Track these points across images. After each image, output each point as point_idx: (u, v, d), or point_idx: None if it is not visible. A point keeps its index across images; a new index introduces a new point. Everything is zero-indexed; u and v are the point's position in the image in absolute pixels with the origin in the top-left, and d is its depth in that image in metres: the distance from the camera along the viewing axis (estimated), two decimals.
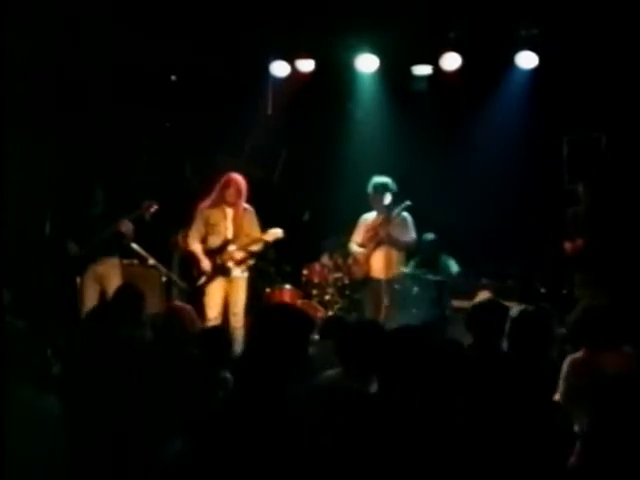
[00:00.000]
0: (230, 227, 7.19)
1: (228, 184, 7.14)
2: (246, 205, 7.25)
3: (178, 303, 5.77)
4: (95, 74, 7.71)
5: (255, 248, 7.24)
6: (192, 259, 7.24)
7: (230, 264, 7.16)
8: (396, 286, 7.33)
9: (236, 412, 2.81)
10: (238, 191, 7.14)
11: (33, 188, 7.13)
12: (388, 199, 7.18)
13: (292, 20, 7.66)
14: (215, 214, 7.20)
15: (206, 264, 7.12)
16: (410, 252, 7.66)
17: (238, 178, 7.18)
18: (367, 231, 7.36)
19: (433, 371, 3.02)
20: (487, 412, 3.17)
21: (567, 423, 3.40)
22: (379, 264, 7.22)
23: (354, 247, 7.45)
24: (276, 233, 7.12)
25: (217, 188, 7.18)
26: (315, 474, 2.73)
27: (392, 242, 7.22)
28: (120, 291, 5.54)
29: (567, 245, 6.72)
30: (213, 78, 8.35)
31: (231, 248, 7.15)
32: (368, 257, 7.29)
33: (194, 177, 8.73)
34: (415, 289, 7.56)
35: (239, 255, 7.17)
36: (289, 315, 3.10)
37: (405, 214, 7.31)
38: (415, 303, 7.45)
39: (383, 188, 7.18)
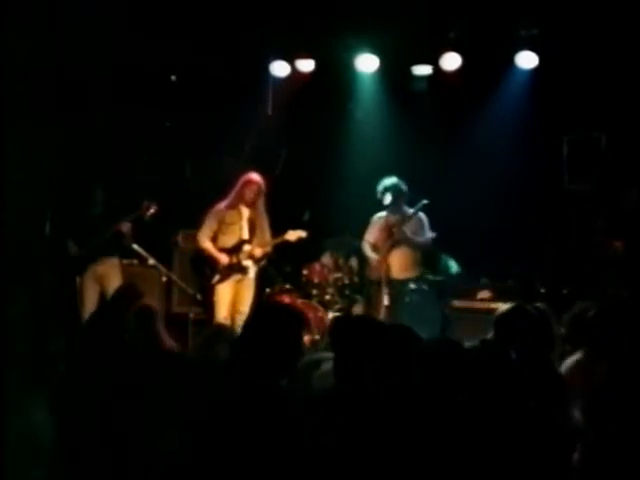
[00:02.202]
0: (245, 227, 7.21)
1: (249, 183, 7.15)
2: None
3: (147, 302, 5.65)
4: (95, 74, 7.70)
5: (268, 249, 7.27)
6: (205, 257, 7.22)
7: (247, 263, 7.18)
8: (411, 287, 7.31)
9: (233, 410, 2.82)
10: (259, 191, 7.16)
11: (33, 188, 7.12)
12: (388, 199, 7.18)
13: (292, 20, 7.65)
14: (231, 214, 7.21)
15: (224, 259, 7.12)
16: (427, 252, 7.57)
17: (258, 178, 7.20)
18: (381, 231, 7.33)
19: (433, 370, 3.03)
20: (489, 412, 3.16)
21: (571, 421, 3.39)
22: (397, 265, 7.20)
23: (367, 248, 7.40)
24: (298, 233, 7.16)
25: (236, 188, 7.18)
26: (314, 472, 2.73)
27: (407, 242, 7.20)
28: (119, 292, 5.53)
29: (618, 244, 6.75)
30: (213, 78, 8.36)
31: (247, 247, 7.17)
32: (385, 258, 7.23)
33: (194, 177, 8.74)
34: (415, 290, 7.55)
35: (258, 252, 7.19)
36: (281, 313, 3.14)
37: (421, 214, 7.28)
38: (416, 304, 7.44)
39: (394, 188, 7.17)
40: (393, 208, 7.26)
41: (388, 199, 7.18)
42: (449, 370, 3.06)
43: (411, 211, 7.23)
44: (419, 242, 7.28)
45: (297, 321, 3.16)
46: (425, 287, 7.48)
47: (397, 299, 7.17)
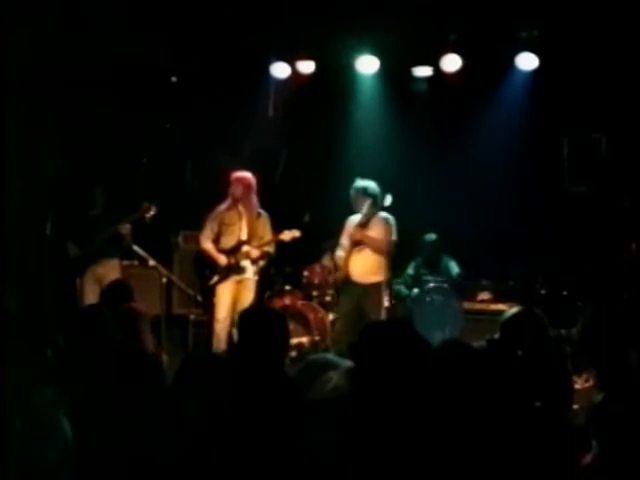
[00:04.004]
0: (244, 228, 7.26)
1: (235, 180, 7.23)
2: (261, 210, 7.34)
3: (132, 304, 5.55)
4: (95, 74, 7.70)
5: (268, 249, 7.29)
6: (205, 258, 7.30)
7: (244, 263, 7.21)
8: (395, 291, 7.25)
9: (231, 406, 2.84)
10: (245, 187, 7.20)
11: (33, 188, 7.12)
12: (389, 200, 7.07)
13: (292, 21, 7.65)
14: (230, 215, 7.28)
15: (223, 260, 7.18)
16: (388, 255, 7.01)
17: (243, 174, 7.26)
18: (351, 234, 7.07)
19: (437, 370, 3.01)
20: (495, 412, 3.15)
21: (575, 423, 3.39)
22: (356, 268, 6.99)
23: (339, 250, 7.20)
24: (292, 233, 7.18)
25: (229, 190, 7.26)
26: (316, 471, 2.73)
27: (366, 244, 6.95)
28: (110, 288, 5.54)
29: (633, 245, 6.79)
30: (213, 80, 8.35)
31: (245, 248, 7.20)
32: (347, 260, 7.02)
33: (194, 178, 8.74)
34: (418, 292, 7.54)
35: (255, 253, 7.21)
36: (265, 317, 3.39)
37: (386, 215, 7.02)
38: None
39: (362, 191, 6.97)
40: (358, 210, 7.00)
41: (389, 200, 7.09)
42: (459, 371, 3.04)
43: (364, 211, 6.90)
44: (378, 244, 6.95)
45: (280, 325, 3.38)
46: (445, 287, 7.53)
47: (358, 302, 6.93)
